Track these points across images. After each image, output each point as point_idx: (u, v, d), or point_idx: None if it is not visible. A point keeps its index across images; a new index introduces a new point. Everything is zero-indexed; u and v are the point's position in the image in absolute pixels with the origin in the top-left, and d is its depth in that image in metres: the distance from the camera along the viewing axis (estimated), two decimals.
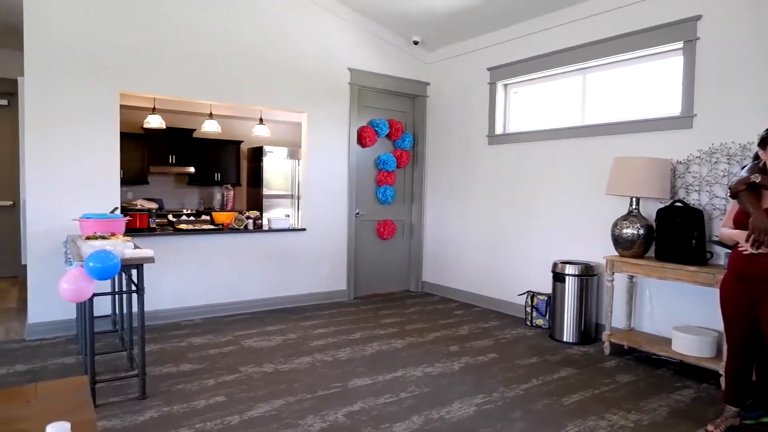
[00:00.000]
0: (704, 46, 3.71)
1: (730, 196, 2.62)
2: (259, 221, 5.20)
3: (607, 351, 3.95)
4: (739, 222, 2.52)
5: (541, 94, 5.09)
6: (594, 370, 3.60)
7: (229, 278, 4.92)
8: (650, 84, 4.20)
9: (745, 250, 2.44)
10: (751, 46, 3.46)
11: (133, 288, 3.01)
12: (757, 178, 2.44)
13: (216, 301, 4.86)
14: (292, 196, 8.55)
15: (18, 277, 6.35)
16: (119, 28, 4.27)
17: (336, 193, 5.55)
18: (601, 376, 3.48)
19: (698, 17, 3.73)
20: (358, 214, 5.73)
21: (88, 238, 3.06)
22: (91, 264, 2.59)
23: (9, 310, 4.93)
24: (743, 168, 2.72)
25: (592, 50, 4.42)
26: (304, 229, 5.36)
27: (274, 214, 8.20)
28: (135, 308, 3.27)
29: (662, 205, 3.80)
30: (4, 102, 6.32)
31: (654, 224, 3.76)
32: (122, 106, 4.44)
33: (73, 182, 4.13)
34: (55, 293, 3.97)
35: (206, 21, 4.67)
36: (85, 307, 2.94)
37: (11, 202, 6.39)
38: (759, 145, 2.56)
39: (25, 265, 4.08)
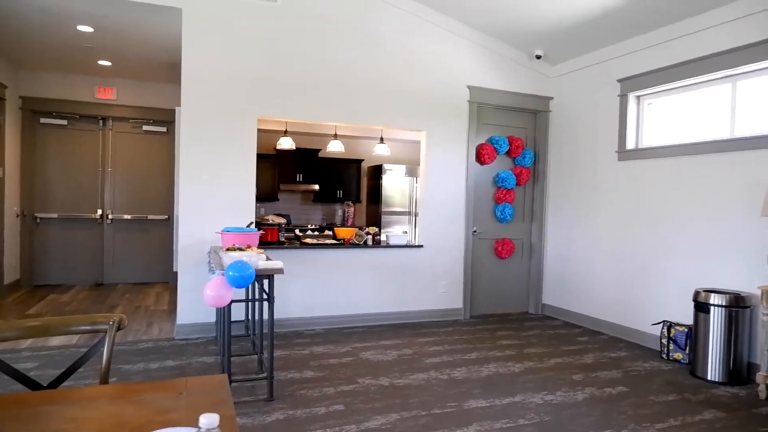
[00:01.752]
0: None
1: None
2: (378, 237, 5.36)
3: (763, 395, 3.45)
4: None
5: (679, 105, 4.66)
6: (746, 415, 3.16)
7: (349, 291, 5.12)
8: None
9: None
10: None
11: (264, 296, 3.26)
12: None
13: (336, 313, 5.08)
14: (409, 213, 8.70)
15: (169, 283, 7.20)
16: (258, 61, 4.71)
17: (453, 210, 5.54)
18: (755, 423, 3.05)
19: None
20: (475, 231, 5.67)
21: (228, 249, 3.39)
22: (230, 273, 2.86)
23: (162, 311, 5.59)
24: None
25: (742, 55, 3.96)
26: (421, 246, 5.42)
27: (392, 231, 8.41)
28: (266, 315, 3.54)
29: None
30: (164, 129, 7.26)
31: None
32: (258, 130, 4.87)
33: (216, 199, 4.61)
34: (199, 298, 4.45)
35: (331, 48, 4.97)
36: (224, 313, 3.24)
37: (166, 216, 7.29)
38: None
39: (176, 272, 4.61)
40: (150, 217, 7.29)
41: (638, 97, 4.98)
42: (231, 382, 3.18)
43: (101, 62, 6.15)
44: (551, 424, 2.95)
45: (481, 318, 5.64)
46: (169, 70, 6.33)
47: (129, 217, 7.21)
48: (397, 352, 4.29)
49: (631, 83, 4.92)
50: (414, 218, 8.71)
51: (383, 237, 5.57)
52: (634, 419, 3.06)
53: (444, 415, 3.03)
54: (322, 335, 4.74)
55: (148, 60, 6.00)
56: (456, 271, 5.57)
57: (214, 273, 3.27)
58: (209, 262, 4.16)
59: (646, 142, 4.91)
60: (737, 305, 3.74)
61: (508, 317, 5.73)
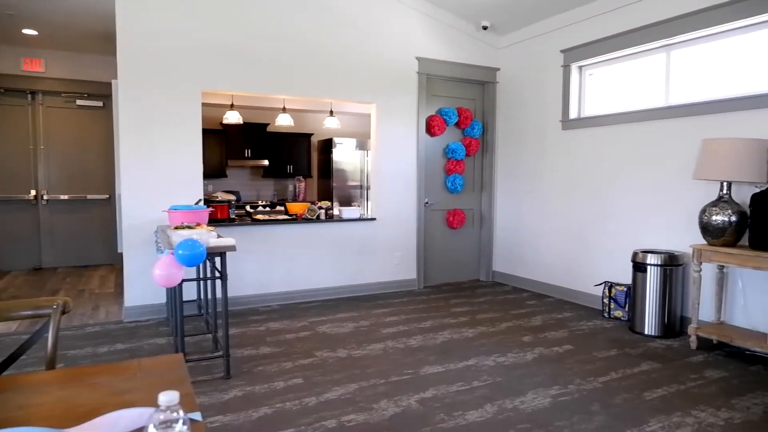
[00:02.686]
0: None
1: None
2: (331, 211, 5.34)
3: (693, 345, 3.73)
4: None
5: (618, 75, 4.83)
6: (679, 365, 3.41)
7: (303, 266, 5.10)
8: (743, 59, 3.87)
9: None
10: None
11: (217, 275, 3.20)
12: None
13: (291, 289, 5.06)
14: (361, 187, 8.68)
15: (114, 265, 6.93)
16: (200, 31, 4.51)
17: (405, 182, 5.58)
18: (687, 371, 3.30)
19: None
20: (427, 203, 5.74)
21: (176, 227, 3.28)
22: (180, 252, 2.78)
23: (108, 294, 5.39)
24: None
25: (677, 25, 4.14)
26: (374, 219, 5.44)
27: (345, 205, 8.38)
28: (219, 294, 3.48)
29: (758, 190, 3.51)
30: (100, 104, 6.87)
31: (748, 210, 3.49)
32: (203, 104, 4.70)
33: (161, 176, 4.43)
34: (148, 279, 4.32)
35: (278, 20, 4.82)
36: (175, 292, 3.16)
37: (107, 196, 6.96)
38: None
39: (121, 254, 4.44)
40: (89, 196, 6.94)
41: (580, 67, 5.13)
42: (186, 362, 3.12)
43: (26, 31, 5.71)
44: (503, 385, 3.08)
45: (435, 287, 5.76)
46: (103, 41, 5.96)
47: (66, 197, 6.84)
48: (353, 324, 4.34)
49: (574, 54, 5.05)
50: (366, 192, 8.71)
51: (336, 211, 5.56)
52: (579, 375, 3.24)
53: (401, 382, 3.11)
54: (278, 311, 4.72)
55: (79, 29, 5.62)
56: (409, 242, 5.65)
57: (162, 252, 3.18)
58: (157, 241, 4.03)
59: (588, 112, 5.08)
60: (671, 264, 3.99)
61: (460, 285, 5.89)
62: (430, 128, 5.64)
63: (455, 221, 5.90)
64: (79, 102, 6.78)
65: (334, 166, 8.70)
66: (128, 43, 4.26)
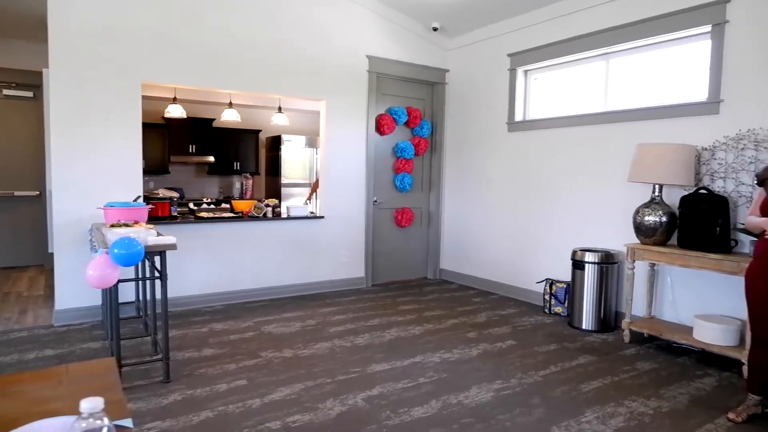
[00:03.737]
0: (733, 30, 3.61)
1: (756, 183, 2.57)
2: (278, 209, 5.25)
3: (626, 339, 3.92)
4: (766, 210, 2.47)
5: (562, 80, 5.01)
6: (613, 358, 3.58)
7: (249, 265, 4.99)
8: (676, 69, 4.10)
9: None
10: None
11: (156, 274, 3.08)
12: None
13: (236, 288, 4.93)
14: (310, 185, 8.59)
15: (44, 266, 6.53)
16: (141, 19, 4.31)
17: (354, 180, 5.56)
18: (620, 364, 3.46)
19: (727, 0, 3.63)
20: (376, 201, 5.75)
21: (112, 225, 3.13)
22: (116, 251, 2.65)
23: (37, 297, 5.07)
24: None
25: (615, 35, 4.33)
26: (322, 217, 5.39)
27: (293, 203, 8.27)
28: (158, 294, 3.34)
29: (686, 193, 3.74)
30: (30, 94, 6.45)
31: (677, 212, 3.70)
32: (144, 97, 4.50)
33: (97, 172, 4.21)
34: (81, 280, 4.09)
35: (225, 11, 4.68)
36: (110, 293, 3.01)
37: (37, 192, 6.55)
38: None
39: (52, 254, 4.19)
40: (18, 193, 6.51)
41: (526, 71, 5.28)
42: (122, 366, 2.98)
43: None
44: (448, 380, 3.13)
45: (382, 286, 5.78)
46: (34, 27, 5.59)
47: None
48: (300, 323, 4.28)
49: (520, 58, 5.19)
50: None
51: (284, 209, 5.47)
52: (521, 369, 3.34)
53: (348, 381, 3.09)
54: (222, 311, 4.60)
55: (7, 13, 5.25)
56: (358, 240, 5.64)
57: (97, 252, 3.02)
58: (91, 240, 3.83)
59: (533, 115, 5.24)
60: (607, 261, 4.18)
61: (408, 283, 5.94)
62: (380, 127, 5.65)
63: (404, 220, 5.94)
64: (6, 92, 6.34)
65: (283, 163, 8.57)
66: (61, 30, 4.02)
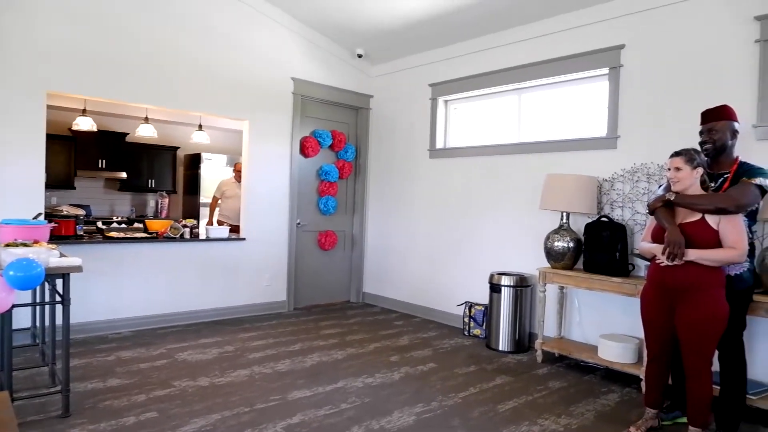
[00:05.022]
0: (627, 73, 4.01)
1: (648, 212, 2.83)
2: (196, 230, 5.03)
3: (539, 359, 4.12)
4: (657, 236, 2.73)
5: (480, 111, 5.28)
6: (528, 378, 3.74)
7: (164, 289, 4.73)
8: (580, 106, 4.47)
9: (662, 262, 2.64)
10: (668, 73, 3.78)
11: (57, 299, 2.84)
12: (671, 196, 2.66)
13: (150, 313, 4.64)
14: (219, 205, 8.33)
15: None
16: (48, 26, 4.04)
17: (277, 202, 5.48)
18: (534, 383, 3.63)
19: (621, 46, 4.02)
20: (299, 224, 5.68)
21: (8, 245, 2.85)
22: (11, 273, 2.42)
23: None
24: (660, 186, 2.95)
25: (527, 72, 4.65)
26: (243, 239, 5.24)
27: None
28: (59, 320, 3.08)
29: (590, 220, 4.04)
30: None
31: (582, 238, 3.98)
32: (49, 107, 4.19)
33: None
34: None
35: (143, 23, 4.51)
36: (2, 320, 2.73)
37: None
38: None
39: None
40: None
41: (446, 101, 5.51)
42: (14, 400, 2.69)
43: None
44: (371, 405, 3.12)
45: (305, 309, 5.69)
46: None
47: None
48: (218, 349, 4.10)
49: (440, 88, 5.42)
50: None
51: (202, 230, 5.26)
52: (441, 391, 3.40)
53: (268, 409, 2.99)
54: (131, 338, 4.30)
55: None
56: (280, 263, 5.53)
57: None
58: None
59: (453, 143, 5.46)
60: (521, 285, 4.40)
61: (331, 307, 5.89)
62: (304, 149, 5.63)
63: (327, 243, 5.91)
64: None
65: (202, 182, 8.28)
66: None
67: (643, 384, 3.37)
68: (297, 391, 3.30)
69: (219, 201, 6.20)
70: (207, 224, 6.09)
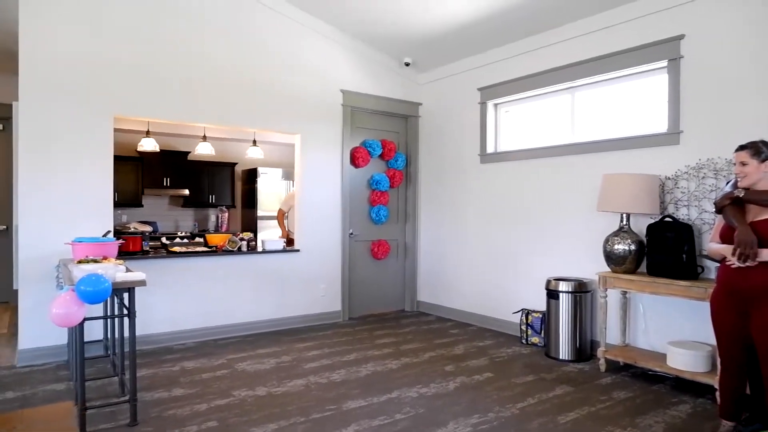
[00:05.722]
0: (688, 64, 3.79)
1: (715, 211, 2.65)
2: (253, 243, 5.19)
3: (602, 368, 3.93)
4: (726, 236, 2.55)
5: (531, 112, 5.15)
6: (590, 388, 3.58)
7: (223, 301, 4.90)
8: (638, 101, 4.26)
9: (733, 264, 2.46)
10: (732, 63, 3.54)
11: (125, 312, 3.00)
12: (740, 193, 2.47)
13: (210, 324, 4.82)
14: (287, 217, 8.55)
15: (9, 303, 6.30)
16: (114, 52, 4.32)
17: (329, 213, 5.56)
18: (597, 393, 3.46)
19: (681, 36, 3.81)
20: (351, 234, 5.74)
21: (80, 261, 3.05)
22: (82, 288, 2.58)
23: (0, 336, 4.87)
24: (728, 183, 2.75)
25: (580, 69, 4.49)
26: (298, 250, 5.35)
27: (269, 235, 8.20)
28: (127, 332, 3.25)
29: (652, 221, 3.83)
30: (0, 127, 6.35)
31: (645, 240, 3.78)
32: (116, 130, 4.47)
33: (66, 206, 4.13)
34: (46, 318, 3.94)
35: (200, 45, 4.73)
36: (76, 332, 2.91)
37: (5, 227, 6.37)
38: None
39: (17, 290, 4.05)
40: None
41: (496, 104, 5.42)
42: (86, 409, 2.86)
43: None
44: (425, 416, 3.08)
45: (360, 319, 5.72)
46: (6, 59, 5.55)
47: None
48: (275, 359, 4.19)
49: (490, 92, 5.33)
50: None
51: (259, 242, 5.41)
52: (498, 402, 3.31)
53: (323, 419, 3.02)
54: (194, 349, 4.48)
55: None
56: (334, 273, 5.59)
57: (62, 289, 2.93)
58: (58, 276, 3.72)
59: (505, 146, 5.35)
60: (580, 290, 4.22)
61: (385, 316, 5.89)
62: (355, 160, 5.69)
63: (380, 252, 5.93)
64: None
65: (259, 196, 8.54)
66: (32, 62, 3.99)
67: (717, 394, 3.14)
68: (352, 401, 3.31)
69: (286, 214, 6.36)
70: (281, 236, 6.29)
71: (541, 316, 4.60)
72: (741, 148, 2.51)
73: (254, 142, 7.17)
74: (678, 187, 3.82)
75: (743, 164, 2.47)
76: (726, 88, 3.58)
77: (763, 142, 2.50)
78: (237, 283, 4.98)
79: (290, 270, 5.30)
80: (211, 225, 8.77)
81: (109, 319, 3.98)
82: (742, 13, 3.49)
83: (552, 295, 4.31)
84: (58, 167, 4.10)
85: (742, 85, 3.49)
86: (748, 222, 2.45)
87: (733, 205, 2.50)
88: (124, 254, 4.37)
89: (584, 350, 4.23)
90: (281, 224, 6.51)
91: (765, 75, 3.37)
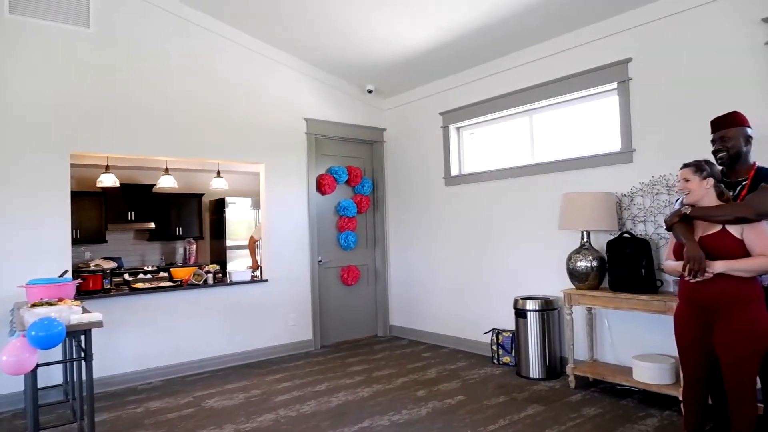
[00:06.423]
0: (636, 86, 3.95)
1: (666, 229, 2.73)
2: (219, 275, 5.10)
3: (572, 385, 3.96)
4: (678, 253, 2.62)
5: (493, 135, 5.27)
6: (560, 406, 3.60)
7: (190, 336, 4.78)
8: (592, 122, 4.40)
9: (690, 279, 2.52)
10: (678, 82, 3.71)
11: (82, 355, 2.90)
12: (687, 210, 2.56)
13: (177, 361, 4.69)
14: (259, 246, 8.46)
15: None
16: (68, 89, 4.26)
17: (297, 241, 5.52)
18: (567, 411, 3.48)
19: (628, 60, 3.98)
20: (320, 261, 5.70)
21: (33, 305, 2.95)
22: (33, 333, 2.49)
23: None
24: (677, 201, 2.85)
25: (536, 92, 4.63)
26: (266, 280, 5.28)
27: (237, 266, 8.09)
28: (85, 376, 3.13)
29: (611, 237, 3.93)
30: None
31: (605, 256, 3.87)
32: (76, 165, 4.40)
33: (20, 247, 4.00)
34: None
35: (158, 79, 4.70)
36: (30, 379, 2.79)
37: None
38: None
39: None
40: None
41: (458, 128, 5.52)
42: None
43: None
44: None
45: (332, 347, 5.65)
46: None
47: None
48: (244, 394, 4.09)
49: (451, 116, 5.44)
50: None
51: (229, 273, 5.32)
52: (470, 425, 3.29)
53: None
54: (160, 388, 4.34)
55: None
56: (304, 302, 5.53)
57: (14, 335, 2.82)
58: (11, 322, 3.58)
59: (468, 168, 5.44)
60: (547, 308, 4.27)
61: (358, 342, 5.83)
62: (321, 187, 5.70)
63: (350, 278, 5.90)
64: None
65: (228, 226, 8.45)
66: None
67: (682, 406, 3.20)
68: None
69: (257, 242, 6.29)
70: (251, 266, 6.25)
71: (511, 335, 4.62)
72: (685, 166, 2.61)
73: (218, 173, 7.11)
74: (634, 204, 3.93)
75: (686, 180, 2.57)
76: (673, 107, 3.73)
77: (706, 161, 2.61)
78: (204, 317, 4.87)
79: (259, 301, 5.22)
80: (179, 258, 8.61)
81: (67, 363, 3.83)
82: (683, 34, 3.67)
83: (520, 314, 4.35)
84: (9, 207, 3.98)
85: (688, 105, 3.65)
86: (697, 237, 2.53)
87: (681, 222, 2.59)
88: (83, 293, 4.24)
89: (554, 368, 4.26)
90: (252, 253, 6.44)
91: (708, 93, 3.54)
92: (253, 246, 6.47)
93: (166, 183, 6.66)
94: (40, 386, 3.38)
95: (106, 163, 6.55)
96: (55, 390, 4.03)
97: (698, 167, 2.55)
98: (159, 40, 4.72)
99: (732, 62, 3.43)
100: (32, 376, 2.66)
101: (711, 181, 2.54)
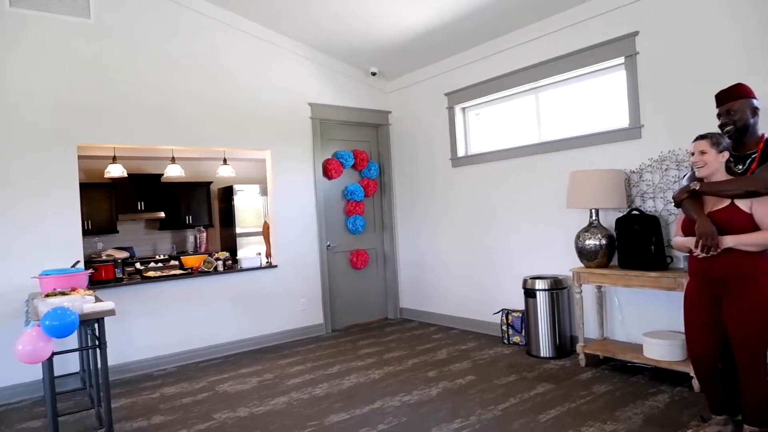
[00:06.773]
0: (644, 60, 3.87)
1: (674, 205, 2.70)
2: (230, 262, 5.14)
3: (582, 363, 3.97)
4: (687, 229, 2.59)
5: (498, 114, 5.21)
6: (570, 384, 3.61)
7: (201, 323, 4.84)
8: (599, 98, 4.34)
9: (699, 255, 2.50)
10: (686, 56, 3.63)
11: (96, 343, 2.95)
12: (696, 186, 2.52)
13: (190, 348, 4.76)
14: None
15: None
16: (71, 80, 4.27)
17: (305, 227, 5.54)
18: (577, 389, 3.49)
19: (635, 33, 3.89)
20: (329, 246, 5.73)
21: (47, 295, 3.00)
22: (47, 322, 2.53)
23: None
24: (685, 176, 2.81)
25: (542, 70, 4.56)
26: (275, 266, 5.32)
27: (247, 252, 8.15)
28: (100, 363, 3.19)
29: (620, 214, 3.90)
30: None
31: (614, 233, 3.84)
32: (84, 156, 4.42)
33: (33, 239, 4.05)
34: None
35: (162, 68, 4.69)
36: (46, 367, 2.85)
37: None
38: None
39: None
40: None
41: (463, 108, 5.47)
42: None
43: None
44: (408, 424, 3.08)
45: (343, 330, 5.70)
46: None
47: None
48: (257, 378, 4.15)
49: (456, 96, 5.38)
50: None
51: (239, 260, 5.36)
52: (480, 405, 3.32)
53: None
54: (174, 374, 4.41)
55: None
56: (314, 286, 5.57)
57: (29, 325, 2.87)
58: (27, 312, 3.65)
59: (475, 149, 5.39)
60: (557, 287, 4.27)
61: (369, 326, 5.87)
62: (327, 171, 5.69)
63: (359, 262, 5.92)
64: None
65: (236, 213, 8.49)
66: None
67: (695, 382, 3.20)
68: (334, 415, 3.29)
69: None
70: (265, 253, 6.27)
71: (520, 315, 4.63)
72: (701, 137, 2.56)
73: (224, 160, 7.12)
74: (643, 180, 3.89)
75: (702, 153, 2.52)
76: (682, 81, 3.66)
77: (721, 134, 2.56)
78: (215, 303, 4.93)
79: (269, 286, 5.27)
80: (190, 246, 8.68)
81: (83, 351, 3.91)
82: (691, 5, 3.59)
83: (529, 293, 4.34)
84: (20, 200, 4.02)
85: (697, 79, 3.57)
86: (706, 213, 2.50)
87: (690, 198, 2.55)
88: (96, 283, 4.30)
89: (564, 346, 4.26)
90: (266, 239, 6.47)
91: (716, 66, 3.46)
92: (267, 232, 6.50)
93: (173, 172, 6.69)
94: (58, 374, 3.47)
95: (113, 154, 6.59)
96: (73, 378, 4.12)
97: (716, 141, 2.50)
98: (161, 28, 4.70)
99: (743, 32, 3.34)
100: (49, 364, 2.71)
101: (726, 155, 2.50)
